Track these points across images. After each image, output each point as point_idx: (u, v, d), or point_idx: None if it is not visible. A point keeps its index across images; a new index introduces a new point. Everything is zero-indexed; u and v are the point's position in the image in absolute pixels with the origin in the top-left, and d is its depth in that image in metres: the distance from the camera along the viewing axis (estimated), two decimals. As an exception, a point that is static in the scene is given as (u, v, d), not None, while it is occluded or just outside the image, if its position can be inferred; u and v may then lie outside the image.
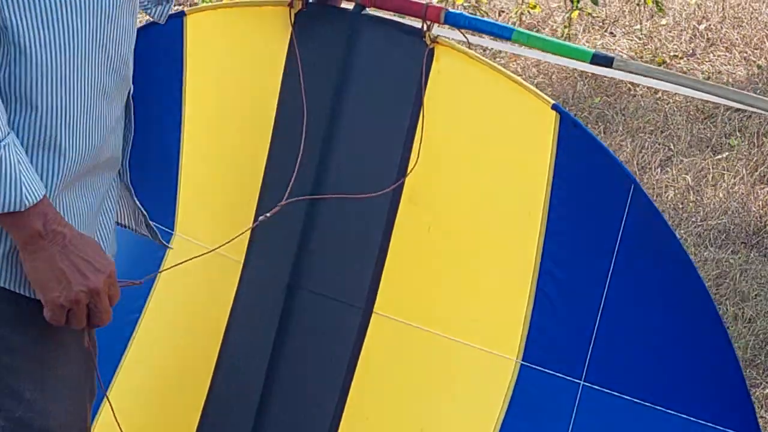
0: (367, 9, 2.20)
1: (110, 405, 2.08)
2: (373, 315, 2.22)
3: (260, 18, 2.30)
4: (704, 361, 2.03)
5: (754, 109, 2.11)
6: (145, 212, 2.05)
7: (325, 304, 2.25)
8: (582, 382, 2.07)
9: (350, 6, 2.21)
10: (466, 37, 2.18)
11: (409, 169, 2.16)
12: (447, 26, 2.16)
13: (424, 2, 2.10)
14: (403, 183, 2.16)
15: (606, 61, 2.10)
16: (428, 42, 2.14)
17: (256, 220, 2.27)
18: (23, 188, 1.70)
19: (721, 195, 4.81)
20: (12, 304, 1.82)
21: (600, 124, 5.34)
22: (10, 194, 1.70)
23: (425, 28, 2.13)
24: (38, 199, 1.72)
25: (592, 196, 2.07)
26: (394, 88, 2.18)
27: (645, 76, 2.21)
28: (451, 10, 2.17)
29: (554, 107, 2.07)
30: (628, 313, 2.07)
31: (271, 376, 2.30)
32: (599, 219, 2.06)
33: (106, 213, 1.95)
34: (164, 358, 2.48)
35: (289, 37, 2.24)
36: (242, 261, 2.32)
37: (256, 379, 2.31)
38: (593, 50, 2.10)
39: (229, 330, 2.36)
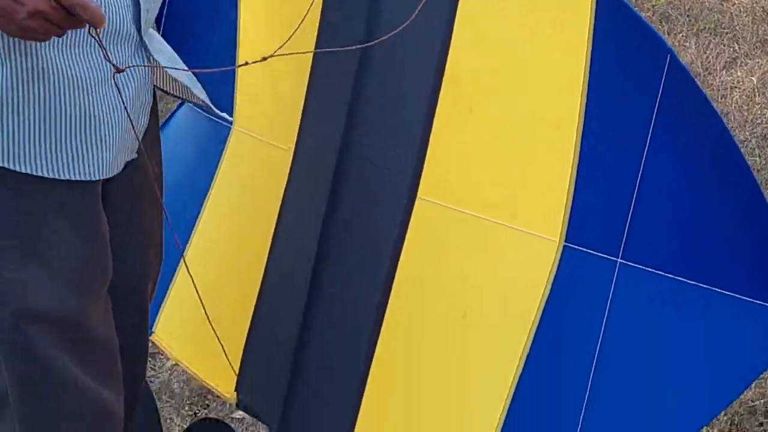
0: None
1: (185, 265, 2.16)
2: (417, 200, 2.22)
3: None
4: (745, 236, 2.01)
5: None
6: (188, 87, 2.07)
7: (366, 205, 2.28)
8: (619, 260, 2.06)
9: None
10: None
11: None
12: None
13: None
14: None
15: None
16: None
17: (305, 110, 2.32)
18: None
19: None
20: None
21: (664, 24, 5.27)
22: None
23: None
24: None
25: (630, 68, 2.03)
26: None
27: None
28: None
29: None
30: (666, 187, 2.04)
31: (318, 269, 2.35)
32: (637, 92, 2.03)
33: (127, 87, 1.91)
34: (220, 251, 2.58)
35: None
36: (294, 145, 2.38)
37: (309, 250, 2.36)
38: None
39: (284, 203, 2.43)
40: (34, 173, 1.81)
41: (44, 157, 1.82)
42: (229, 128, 2.55)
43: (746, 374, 2.03)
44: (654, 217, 2.04)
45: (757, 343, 2.01)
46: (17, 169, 1.79)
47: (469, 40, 2.14)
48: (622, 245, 2.06)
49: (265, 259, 2.45)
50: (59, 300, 1.89)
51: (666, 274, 2.04)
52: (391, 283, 2.25)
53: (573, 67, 2.06)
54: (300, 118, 2.37)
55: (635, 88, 2.03)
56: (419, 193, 2.22)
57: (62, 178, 1.84)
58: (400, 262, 2.25)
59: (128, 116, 1.87)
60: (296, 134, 2.39)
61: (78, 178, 1.86)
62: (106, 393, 1.98)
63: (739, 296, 2.00)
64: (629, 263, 2.06)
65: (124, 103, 1.86)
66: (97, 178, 1.89)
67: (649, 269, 2.05)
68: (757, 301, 1.99)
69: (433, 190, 2.21)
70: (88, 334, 1.95)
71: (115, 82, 1.83)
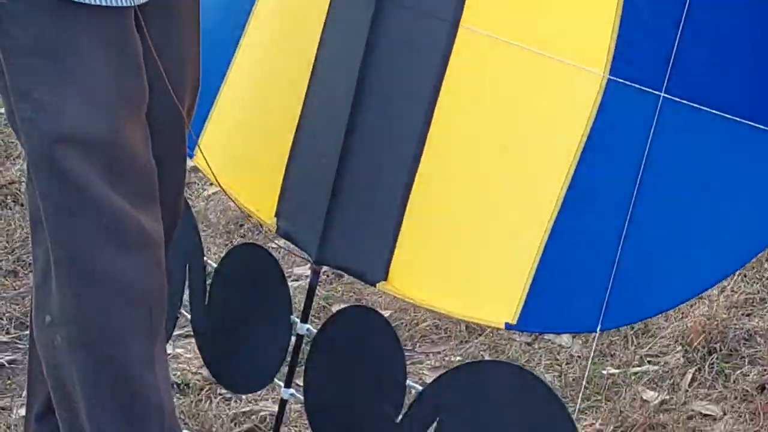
0: None
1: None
2: (459, 28, 2.19)
3: None
4: None
5: None
6: None
7: (411, 17, 2.24)
8: (662, 94, 2.04)
9: None
10: None
11: None
12: None
13: None
14: None
15: None
16: None
17: None
18: None
19: None
20: (37, 7, 1.81)
21: None
22: None
23: None
24: None
25: None
26: None
27: None
28: None
29: None
30: (714, 19, 2.01)
31: (361, 86, 2.31)
32: None
33: None
34: (261, 74, 2.56)
35: None
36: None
37: (346, 93, 2.32)
38: None
39: (321, 47, 2.39)
40: (88, 2, 1.82)
41: None
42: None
43: None
44: (700, 51, 2.02)
45: None
46: None
47: None
48: (666, 79, 2.03)
49: (307, 79, 2.43)
50: (94, 121, 1.90)
51: (710, 110, 2.02)
52: (434, 108, 2.24)
53: None
54: None
55: None
56: (462, 20, 2.18)
57: (100, 4, 1.85)
58: (442, 89, 2.23)
59: None
60: None
61: (115, 4, 1.87)
62: (143, 217, 1.99)
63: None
64: (674, 98, 2.04)
65: None
66: (132, 5, 1.90)
67: (693, 104, 2.03)
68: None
69: (477, 18, 2.17)
70: (125, 157, 1.95)
71: None
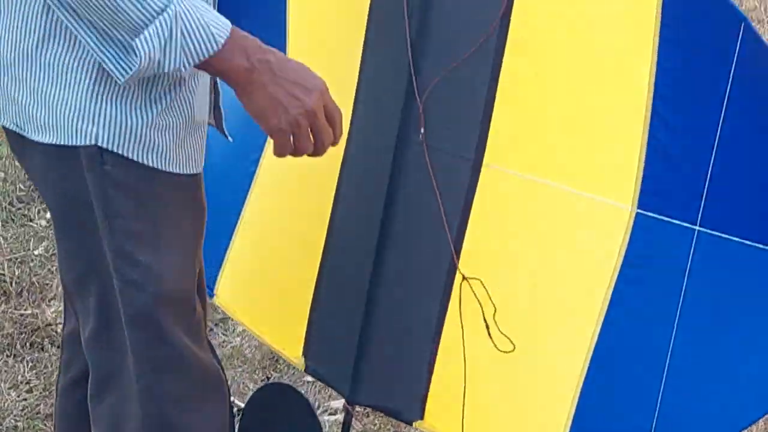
0: None
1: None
2: (483, 167, 2.20)
3: None
4: None
5: None
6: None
7: (435, 156, 2.23)
8: (697, 228, 2.04)
9: None
10: None
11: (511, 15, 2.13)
12: None
13: None
14: (504, 26, 2.13)
15: None
16: None
17: (362, 62, 2.31)
18: (211, 28, 1.72)
19: None
20: (122, 169, 1.85)
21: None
22: (202, 38, 1.72)
23: None
24: (228, 34, 1.74)
25: (702, 35, 2.00)
26: None
27: None
28: None
29: None
30: (743, 153, 2.01)
31: (385, 231, 2.32)
32: (709, 58, 1.99)
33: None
34: (280, 213, 2.55)
35: None
36: (350, 117, 2.32)
37: (370, 232, 2.33)
38: None
39: (340, 186, 2.40)
40: (175, 171, 1.91)
41: (182, 158, 1.93)
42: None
43: None
44: (733, 183, 2.02)
45: None
46: (163, 168, 1.89)
47: (531, 4, 2.12)
48: (700, 212, 2.03)
49: (328, 221, 2.44)
50: (186, 283, 1.99)
51: (748, 242, 2.01)
52: (460, 250, 2.24)
53: (642, 31, 2.02)
54: (354, 98, 2.35)
55: (707, 54, 2.00)
56: (485, 160, 2.19)
57: (190, 173, 1.95)
58: (467, 230, 2.23)
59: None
60: (351, 110, 2.35)
61: (197, 171, 1.98)
62: (212, 360, 2.09)
63: None
64: (709, 231, 2.04)
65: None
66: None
67: (731, 237, 2.02)
68: None
69: (500, 157, 2.18)
70: (195, 312, 2.04)
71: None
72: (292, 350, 2.53)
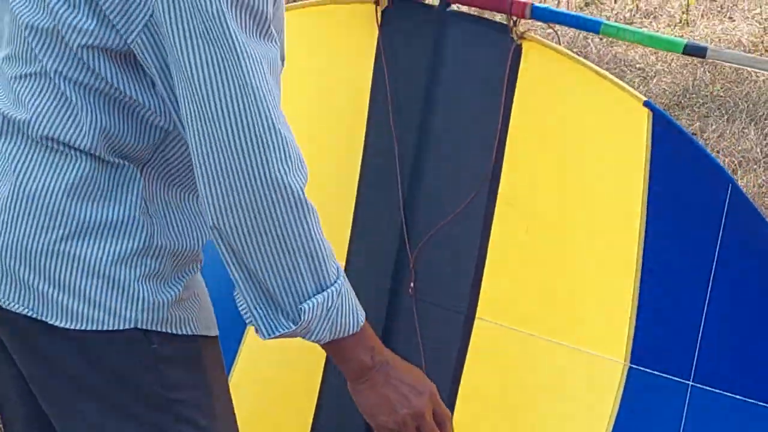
0: (452, 5, 2.17)
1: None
2: (476, 320, 2.20)
3: (347, 16, 2.27)
4: None
5: None
6: None
7: (428, 311, 2.24)
8: (690, 383, 2.04)
9: (435, 2, 2.19)
10: (556, 33, 2.21)
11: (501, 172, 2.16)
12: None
13: None
14: (487, 193, 2.17)
15: (699, 51, 2.05)
16: (515, 38, 2.10)
17: (355, 218, 2.31)
18: (358, 313, 1.81)
19: None
20: (168, 344, 1.86)
21: (723, 111, 5.22)
22: (349, 320, 1.78)
23: (511, 24, 2.10)
24: (363, 322, 1.82)
25: (690, 196, 2.04)
26: (482, 86, 2.15)
27: (739, 64, 2.16)
28: (536, 4, 2.13)
29: (646, 104, 2.03)
30: (733, 311, 2.03)
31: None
32: (698, 219, 2.03)
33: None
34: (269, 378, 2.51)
35: (376, 35, 2.22)
36: (343, 265, 2.32)
37: None
38: (685, 40, 2.06)
39: None
40: (210, 334, 1.93)
41: (209, 319, 1.96)
42: None
43: None
44: (724, 340, 2.04)
45: None
46: (201, 333, 1.91)
47: (521, 160, 2.14)
48: (694, 367, 2.04)
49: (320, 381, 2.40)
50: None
51: (742, 397, 2.02)
52: (453, 405, 2.23)
53: (631, 190, 2.06)
54: (348, 241, 2.35)
55: (696, 215, 2.04)
56: (478, 314, 2.19)
57: (216, 333, 1.97)
58: (461, 383, 2.23)
59: None
60: (344, 257, 2.35)
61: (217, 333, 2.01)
62: None
63: None
64: (702, 386, 2.04)
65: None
66: None
67: (725, 393, 2.03)
68: None
69: (492, 311, 2.19)
70: None
71: None
72: None
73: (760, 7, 6.63)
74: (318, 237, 1.73)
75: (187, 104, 1.69)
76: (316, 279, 1.72)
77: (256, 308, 1.76)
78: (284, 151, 1.69)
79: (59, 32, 1.76)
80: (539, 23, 2.17)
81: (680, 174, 2.04)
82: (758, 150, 4.91)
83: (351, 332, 1.78)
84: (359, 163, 2.29)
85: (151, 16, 1.69)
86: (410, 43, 2.20)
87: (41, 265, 1.82)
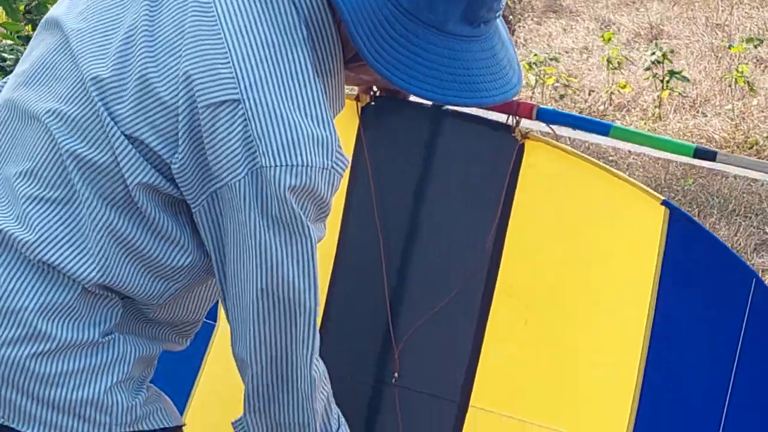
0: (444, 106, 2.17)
1: None
2: (469, 408, 2.18)
3: None
4: None
5: None
6: None
7: (419, 399, 2.21)
8: None
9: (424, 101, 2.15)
10: (553, 131, 2.15)
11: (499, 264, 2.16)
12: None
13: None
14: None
15: (709, 155, 2.08)
16: (519, 137, 2.11)
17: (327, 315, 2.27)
18: None
19: None
20: None
21: (694, 206, 5.26)
22: None
23: (514, 123, 2.11)
24: None
25: (706, 294, 2.06)
26: (481, 185, 2.15)
27: (746, 167, 2.19)
28: (542, 106, 2.14)
29: (664, 203, 2.06)
30: (757, 406, 2.05)
31: None
32: (715, 320, 2.05)
33: None
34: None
35: (356, 130, 2.21)
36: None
37: None
38: (695, 145, 2.09)
39: None
40: (177, 424, 1.98)
41: (174, 411, 2.00)
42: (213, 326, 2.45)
43: None
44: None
45: None
46: (172, 424, 1.95)
47: (522, 253, 2.14)
48: None
49: None
50: None
51: None
52: None
53: (640, 288, 2.06)
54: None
55: (713, 315, 2.05)
56: (471, 401, 2.17)
57: (180, 424, 2.01)
58: None
59: None
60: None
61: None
62: None
63: None
64: None
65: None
66: None
67: None
68: None
69: (486, 399, 2.17)
70: None
71: None
72: None
73: (731, 103, 6.71)
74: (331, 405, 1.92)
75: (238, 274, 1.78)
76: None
77: None
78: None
79: (119, 169, 1.77)
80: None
81: (696, 271, 2.05)
82: (729, 244, 4.93)
83: None
84: (333, 254, 2.27)
85: (220, 188, 1.75)
86: (398, 141, 2.20)
87: (12, 378, 1.81)
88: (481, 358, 2.17)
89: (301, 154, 1.70)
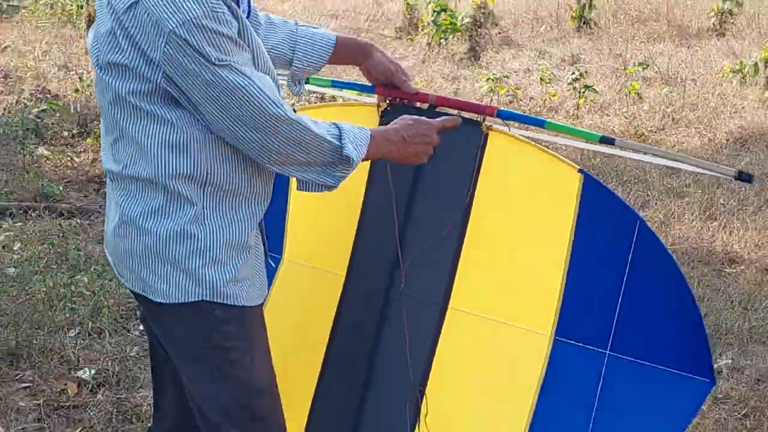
0: (438, 107, 2.14)
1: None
2: (448, 310, 2.15)
3: (353, 115, 2.17)
4: (688, 331, 2.00)
5: (702, 170, 2.09)
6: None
7: (411, 303, 2.17)
8: (608, 352, 2.02)
9: (425, 106, 2.15)
10: (508, 126, 2.11)
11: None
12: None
13: (480, 102, 2.06)
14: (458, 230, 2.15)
15: (610, 141, 2.07)
16: (485, 129, 2.10)
17: (355, 244, 2.21)
18: (364, 131, 1.83)
19: (683, 228, 4.71)
20: (225, 311, 1.85)
21: (600, 176, 5.24)
22: (362, 138, 1.83)
23: (482, 119, 2.09)
24: (370, 132, 1.85)
25: (609, 226, 2.04)
26: (459, 161, 2.13)
27: (635, 150, 2.16)
28: (501, 108, 2.13)
29: (580, 171, 2.06)
30: (640, 299, 2.01)
31: (374, 354, 2.21)
32: (613, 244, 2.03)
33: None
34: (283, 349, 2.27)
35: None
36: (344, 275, 2.24)
37: (362, 358, 2.22)
38: (601, 134, 2.08)
39: (336, 324, 2.26)
40: (254, 304, 1.91)
41: (259, 293, 1.93)
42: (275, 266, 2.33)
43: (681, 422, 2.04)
44: (633, 318, 2.02)
45: (687, 405, 2.02)
46: (250, 304, 1.88)
47: (486, 205, 2.12)
48: (611, 340, 2.02)
49: (324, 349, 2.27)
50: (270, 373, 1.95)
51: (641, 361, 2.01)
52: (430, 366, 2.17)
53: (563, 224, 2.05)
54: (351, 246, 2.25)
55: (613, 240, 2.03)
56: (450, 304, 2.14)
57: (261, 302, 1.94)
58: (436, 354, 2.16)
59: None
60: (347, 264, 2.24)
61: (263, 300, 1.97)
62: None
63: (678, 371, 2.01)
64: (618, 355, 2.02)
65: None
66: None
67: (634, 359, 2.01)
68: (684, 373, 2.01)
69: (460, 302, 2.14)
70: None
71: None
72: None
73: (626, 107, 6.69)
74: (314, 127, 1.76)
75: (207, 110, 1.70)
76: (328, 148, 1.77)
77: (325, 177, 1.80)
78: (268, 97, 1.70)
79: (123, 100, 1.74)
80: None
81: (601, 214, 2.04)
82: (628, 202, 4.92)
83: (367, 142, 1.82)
84: (358, 211, 2.23)
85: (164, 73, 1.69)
86: None
87: (143, 261, 1.82)
88: (456, 274, 2.14)
89: (185, 9, 1.63)
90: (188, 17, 1.62)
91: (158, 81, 1.68)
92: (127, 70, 1.70)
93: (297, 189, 1.86)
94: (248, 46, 1.72)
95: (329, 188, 1.83)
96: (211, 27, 1.64)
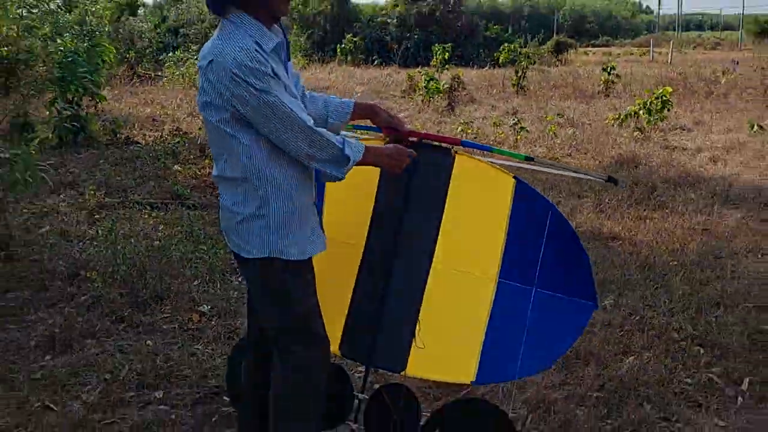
0: (424, 140, 2.07)
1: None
2: (431, 267, 2.08)
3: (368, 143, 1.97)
4: (581, 271, 1.95)
5: (589, 177, 2.03)
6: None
7: (408, 259, 2.09)
8: (534, 288, 1.96)
9: (415, 140, 2.07)
10: (470, 150, 2.07)
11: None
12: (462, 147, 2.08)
13: (450, 135, 1.99)
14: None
15: (531, 159, 2.05)
16: (453, 153, 2.07)
17: (371, 224, 2.07)
18: (357, 143, 1.76)
19: (583, 218, 4.68)
20: (293, 265, 1.81)
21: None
22: (358, 147, 1.76)
23: (452, 147, 2.07)
24: (363, 147, 1.78)
25: (533, 209, 2.00)
26: (434, 175, 2.07)
27: (548, 166, 2.17)
28: (464, 139, 2.10)
29: (514, 177, 2.03)
30: (553, 251, 1.97)
31: (387, 277, 2.10)
32: (535, 221, 1.99)
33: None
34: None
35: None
36: (363, 244, 2.13)
37: (380, 278, 2.11)
38: (525, 154, 2.06)
39: (361, 268, 2.13)
40: (306, 257, 1.82)
41: (317, 245, 1.84)
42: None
43: (567, 339, 1.98)
44: (552, 265, 1.97)
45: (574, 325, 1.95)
46: (304, 258, 1.81)
47: (451, 213, 2.08)
48: (536, 278, 1.97)
49: (354, 280, 2.12)
50: (317, 304, 1.87)
51: (556, 293, 1.97)
52: (423, 290, 2.08)
53: (500, 218, 2.01)
54: (368, 226, 2.12)
55: (535, 221, 2.00)
56: (432, 265, 2.09)
57: (315, 253, 1.85)
58: (424, 294, 2.09)
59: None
60: (365, 235, 2.11)
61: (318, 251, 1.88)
62: None
63: (576, 299, 1.95)
64: (540, 289, 1.97)
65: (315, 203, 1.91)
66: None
67: (550, 292, 1.97)
68: (575, 298, 1.95)
69: (438, 260, 2.08)
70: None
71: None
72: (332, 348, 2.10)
73: (548, 141, 6.58)
74: (326, 134, 1.69)
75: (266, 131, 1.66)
76: (335, 147, 1.71)
77: (335, 170, 1.73)
78: (295, 111, 1.64)
79: (215, 127, 1.70)
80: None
81: (527, 203, 2.00)
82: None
83: (362, 151, 1.74)
84: (371, 209, 2.11)
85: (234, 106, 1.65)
86: None
87: (236, 231, 1.78)
88: (439, 236, 2.05)
89: (239, 58, 1.60)
90: (240, 62, 1.63)
91: (230, 110, 1.68)
92: (212, 106, 1.70)
93: (318, 180, 1.81)
94: (280, 80, 1.69)
95: (338, 179, 1.76)
96: (254, 66, 1.63)
